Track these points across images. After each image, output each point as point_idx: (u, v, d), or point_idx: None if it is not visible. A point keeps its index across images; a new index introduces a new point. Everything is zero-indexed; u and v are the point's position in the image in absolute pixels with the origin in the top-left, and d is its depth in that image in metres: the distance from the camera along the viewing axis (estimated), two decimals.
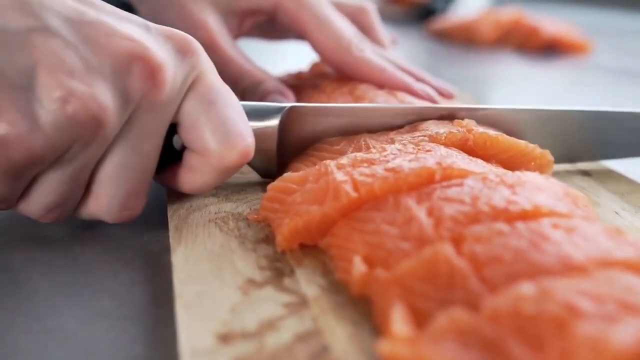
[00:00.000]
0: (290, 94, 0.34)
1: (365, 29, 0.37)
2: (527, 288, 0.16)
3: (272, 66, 0.47)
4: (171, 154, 0.24)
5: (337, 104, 0.28)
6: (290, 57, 0.45)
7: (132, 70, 0.20)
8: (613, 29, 1.00)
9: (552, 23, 0.80)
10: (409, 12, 1.05)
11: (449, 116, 0.28)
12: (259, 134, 0.25)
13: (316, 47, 0.35)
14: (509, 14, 0.83)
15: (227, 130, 0.22)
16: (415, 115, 0.28)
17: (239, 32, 0.37)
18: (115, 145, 0.21)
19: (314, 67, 0.39)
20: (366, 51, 0.34)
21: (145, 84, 0.21)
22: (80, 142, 0.20)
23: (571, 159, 0.31)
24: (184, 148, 0.24)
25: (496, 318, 0.15)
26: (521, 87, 0.61)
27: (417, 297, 0.17)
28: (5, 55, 0.19)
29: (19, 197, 0.22)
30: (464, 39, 0.82)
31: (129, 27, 0.21)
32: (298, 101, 0.34)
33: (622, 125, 0.30)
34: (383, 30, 0.39)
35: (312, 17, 0.34)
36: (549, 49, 0.77)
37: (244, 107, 0.25)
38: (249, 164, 0.27)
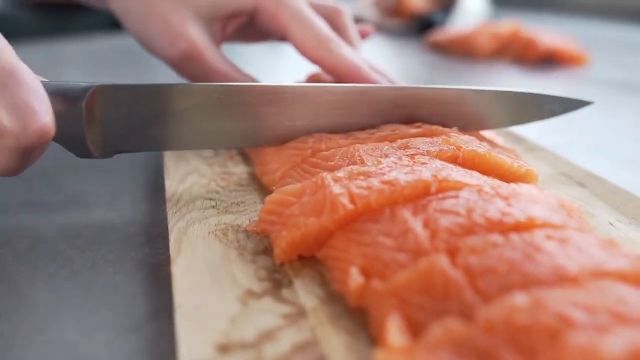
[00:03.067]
0: None
1: (338, 29, 0.38)
2: (520, 299, 0.16)
3: (271, 77, 0.48)
4: None
5: (144, 83, 0.28)
6: (288, 69, 0.45)
7: None
8: (610, 42, 1.01)
9: (550, 35, 0.80)
10: (408, 25, 1.06)
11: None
12: (65, 115, 0.25)
13: (296, 44, 0.36)
14: (506, 26, 0.84)
15: (21, 109, 0.22)
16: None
17: (222, 38, 0.37)
18: None
19: (311, 77, 0.40)
20: (344, 48, 0.35)
21: None
22: None
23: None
24: None
25: (490, 328, 0.15)
26: None
27: (412, 307, 0.17)
28: None
29: None
30: (462, 51, 0.83)
31: None
32: None
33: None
34: (355, 32, 0.40)
35: (292, 15, 0.35)
36: (546, 61, 0.77)
37: (48, 86, 0.25)
38: (63, 145, 0.27)
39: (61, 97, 0.26)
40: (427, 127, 0.29)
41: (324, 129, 0.30)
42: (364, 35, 0.42)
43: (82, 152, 0.27)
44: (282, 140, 0.30)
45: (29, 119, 0.22)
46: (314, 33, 0.35)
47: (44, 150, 0.24)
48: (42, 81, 0.25)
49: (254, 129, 0.30)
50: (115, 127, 0.27)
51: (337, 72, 0.35)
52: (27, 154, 0.24)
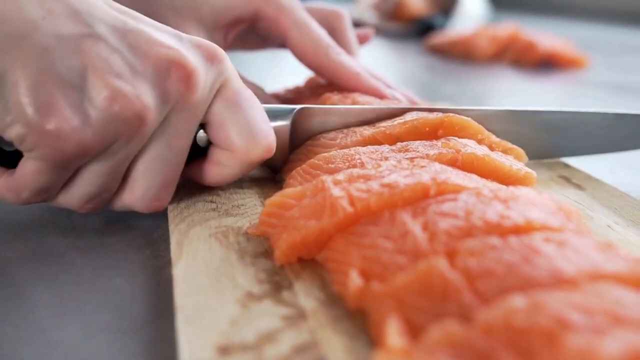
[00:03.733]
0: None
1: (337, 32, 0.39)
2: (518, 301, 0.16)
3: (271, 82, 0.48)
4: (195, 150, 0.27)
5: (339, 106, 0.31)
6: (287, 73, 0.46)
7: (170, 74, 0.23)
8: (609, 45, 1.01)
9: (548, 38, 0.81)
10: (407, 28, 1.06)
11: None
12: (275, 132, 0.28)
13: (295, 50, 0.36)
14: (505, 29, 0.84)
15: (252, 129, 0.25)
16: (401, 110, 0.31)
17: (224, 46, 0.38)
18: (152, 141, 0.24)
19: (309, 81, 0.40)
20: (342, 55, 0.36)
21: (181, 87, 0.23)
22: (124, 137, 0.22)
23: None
24: (207, 145, 0.26)
25: (488, 330, 0.16)
26: (518, 102, 0.62)
27: (411, 310, 0.18)
28: (60, 57, 0.21)
29: (61, 188, 0.24)
30: (462, 54, 0.83)
31: (165, 36, 0.24)
32: None
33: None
34: (354, 36, 0.41)
35: (291, 21, 0.36)
36: (545, 64, 0.78)
37: (264, 109, 0.28)
38: (265, 163, 0.30)
39: (272, 116, 0.29)
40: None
41: None
42: (363, 40, 0.43)
43: (280, 166, 0.30)
44: None
45: (259, 138, 0.25)
46: (313, 39, 0.35)
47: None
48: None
49: None
50: (297, 144, 0.30)
51: (335, 78, 0.36)
52: (251, 167, 0.26)
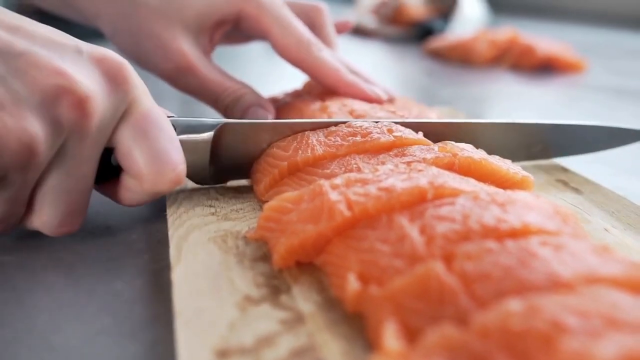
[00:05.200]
0: (269, 106, 0.36)
1: (317, 26, 0.40)
2: (515, 304, 0.16)
3: (270, 86, 0.48)
4: (112, 168, 0.26)
5: (265, 121, 0.30)
6: (287, 77, 0.46)
7: (60, 102, 0.21)
8: (607, 48, 1.02)
9: (547, 42, 0.81)
10: (407, 32, 1.07)
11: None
12: (193, 147, 0.28)
13: (278, 47, 0.37)
14: (504, 33, 0.84)
15: (159, 159, 0.24)
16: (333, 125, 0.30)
17: (211, 47, 0.38)
18: (50, 169, 0.23)
19: (308, 84, 0.41)
20: (324, 52, 0.36)
21: (73, 114, 0.22)
22: (14, 169, 0.21)
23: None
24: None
25: (485, 334, 0.16)
26: (516, 105, 0.62)
27: (409, 313, 0.18)
28: None
29: None
30: (461, 58, 0.84)
31: (57, 57, 0.22)
32: (296, 114, 0.36)
33: (575, 133, 0.34)
34: (333, 30, 0.41)
35: (273, 19, 0.36)
36: (543, 67, 0.78)
37: (181, 123, 0.27)
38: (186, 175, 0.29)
39: (190, 131, 0.28)
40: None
41: None
42: (342, 29, 0.44)
43: (202, 180, 0.30)
44: None
45: (165, 168, 0.24)
46: (295, 36, 0.36)
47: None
48: (172, 118, 0.27)
49: None
50: (231, 159, 0.30)
51: (316, 74, 0.36)
52: (160, 195, 0.26)
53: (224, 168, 0.30)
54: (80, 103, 0.22)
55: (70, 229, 0.25)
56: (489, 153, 0.28)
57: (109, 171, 0.26)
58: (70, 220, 0.24)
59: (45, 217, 0.24)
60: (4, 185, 0.22)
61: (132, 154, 0.24)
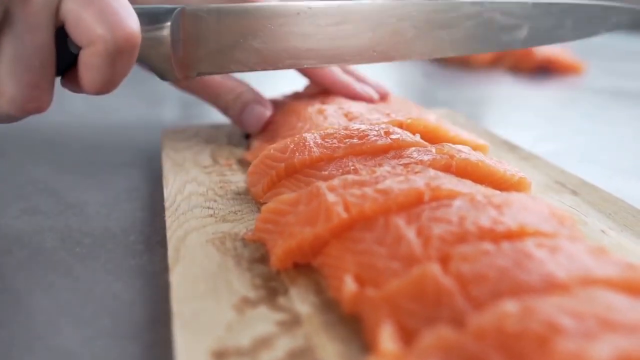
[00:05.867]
0: (266, 102, 0.37)
1: None
2: (510, 306, 0.16)
3: (270, 89, 0.49)
4: (71, 59, 0.25)
5: (230, 4, 0.29)
6: (286, 82, 0.46)
7: None
8: (605, 51, 1.02)
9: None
10: None
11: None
12: (151, 37, 0.27)
13: None
14: None
15: (109, 16, 0.24)
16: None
17: None
18: (4, 41, 0.23)
19: (308, 87, 0.41)
20: None
21: None
22: None
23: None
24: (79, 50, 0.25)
25: (481, 335, 0.16)
26: (515, 107, 0.62)
27: (405, 315, 0.18)
28: None
29: None
30: (459, 61, 0.84)
31: None
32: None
33: (500, 15, 0.32)
34: None
35: None
36: (542, 70, 0.78)
37: (135, 9, 0.26)
38: (147, 67, 0.28)
39: (148, 18, 0.27)
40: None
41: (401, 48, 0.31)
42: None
43: (166, 74, 0.28)
44: (359, 59, 0.31)
45: (118, 25, 0.24)
46: None
47: (131, 64, 0.25)
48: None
49: (327, 47, 0.31)
50: (199, 49, 0.28)
51: (312, 74, 0.37)
52: (116, 62, 0.25)
53: (191, 59, 0.29)
54: None
55: (38, 106, 0.24)
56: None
57: (70, 61, 0.25)
58: (36, 96, 0.24)
59: (8, 91, 0.23)
60: None
61: (83, 17, 0.24)
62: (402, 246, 0.20)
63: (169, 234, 0.25)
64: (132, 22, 0.24)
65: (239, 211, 0.28)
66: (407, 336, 0.17)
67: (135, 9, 0.26)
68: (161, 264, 0.25)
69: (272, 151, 0.29)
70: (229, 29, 0.29)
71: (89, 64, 0.25)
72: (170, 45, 0.27)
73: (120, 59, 0.24)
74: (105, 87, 0.26)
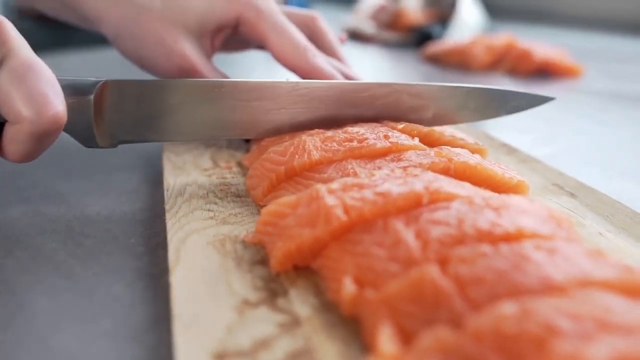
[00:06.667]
0: None
1: (316, 33, 0.41)
2: (508, 308, 0.16)
3: None
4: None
5: (148, 79, 0.31)
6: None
7: None
8: (603, 53, 1.02)
9: (544, 47, 0.82)
10: (405, 37, 1.07)
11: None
12: (76, 107, 0.28)
13: (274, 53, 0.38)
14: (501, 39, 0.85)
15: (36, 99, 0.24)
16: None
17: (212, 50, 0.39)
18: None
19: None
20: (318, 57, 0.37)
21: None
22: None
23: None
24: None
25: (479, 337, 0.16)
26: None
27: (404, 316, 0.18)
28: None
29: None
30: (458, 63, 0.84)
31: None
32: None
33: (407, 96, 0.35)
34: (333, 34, 0.42)
35: (270, 26, 0.37)
36: (540, 72, 0.79)
37: (61, 81, 0.27)
38: (72, 135, 0.29)
39: (73, 90, 0.28)
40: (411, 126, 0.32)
41: (313, 123, 0.33)
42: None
43: (89, 142, 0.30)
44: (273, 132, 0.33)
45: (45, 108, 0.24)
46: (291, 42, 0.37)
47: (55, 139, 0.26)
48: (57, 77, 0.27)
49: (244, 121, 0.32)
50: (120, 119, 0.30)
51: (311, 78, 0.37)
52: (40, 140, 0.25)
53: (113, 128, 0.30)
54: None
55: None
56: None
57: None
58: None
59: None
60: None
61: (10, 96, 0.24)
62: (401, 248, 0.20)
63: (169, 236, 0.26)
64: (58, 104, 0.25)
65: (239, 214, 0.28)
66: (406, 337, 0.17)
67: (60, 80, 0.27)
68: (162, 265, 0.25)
69: (272, 154, 0.29)
70: (148, 101, 0.30)
71: (13, 139, 0.25)
72: (92, 115, 0.29)
73: (45, 138, 0.25)
74: (28, 158, 0.26)
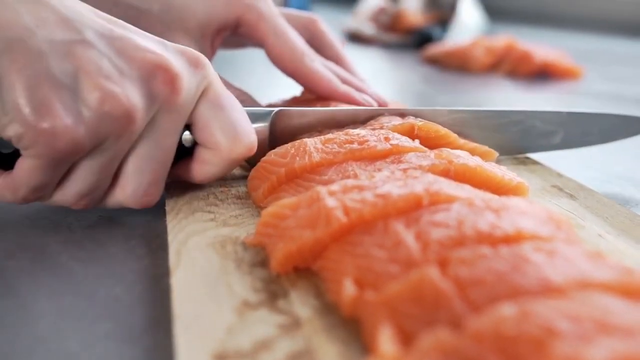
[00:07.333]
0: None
1: (317, 35, 0.41)
2: (508, 309, 0.16)
3: (270, 93, 0.49)
4: (181, 151, 0.28)
5: (313, 108, 0.34)
6: (285, 85, 0.47)
7: (156, 78, 0.25)
8: (603, 55, 1.03)
9: (544, 49, 0.82)
10: (405, 39, 1.08)
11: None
12: (255, 132, 0.30)
13: (272, 56, 0.38)
14: (501, 40, 0.85)
15: (235, 129, 0.27)
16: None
17: (212, 53, 0.40)
18: (141, 140, 0.26)
19: (306, 92, 0.41)
20: (316, 62, 0.38)
21: (166, 89, 0.25)
22: (114, 135, 0.24)
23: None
24: (192, 145, 0.28)
25: (478, 338, 0.16)
26: None
27: (404, 317, 0.18)
28: (54, 61, 0.23)
29: (56, 186, 0.25)
30: (458, 65, 0.84)
31: (150, 42, 0.26)
32: None
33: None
34: (333, 35, 0.43)
35: (270, 29, 0.37)
36: (540, 74, 0.79)
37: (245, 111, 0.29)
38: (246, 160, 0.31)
39: (252, 118, 0.30)
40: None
41: None
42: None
43: (256, 162, 0.32)
44: None
45: (241, 136, 0.27)
46: (289, 46, 0.37)
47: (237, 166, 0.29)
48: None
49: None
50: (284, 141, 0.32)
51: (309, 84, 0.38)
52: (234, 165, 0.28)
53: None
54: (172, 79, 0.25)
55: (151, 200, 0.27)
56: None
57: (179, 153, 0.28)
58: (152, 191, 0.27)
59: (131, 186, 0.26)
60: (100, 150, 0.24)
61: (210, 125, 0.27)
62: (401, 250, 0.20)
63: (170, 237, 0.26)
64: (252, 136, 0.28)
65: (240, 215, 0.28)
66: (406, 339, 0.17)
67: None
68: (162, 267, 0.25)
69: (272, 156, 0.29)
70: (308, 123, 0.34)
71: (206, 163, 0.28)
72: (267, 141, 0.32)
73: (235, 163, 0.28)
74: (211, 180, 0.29)
